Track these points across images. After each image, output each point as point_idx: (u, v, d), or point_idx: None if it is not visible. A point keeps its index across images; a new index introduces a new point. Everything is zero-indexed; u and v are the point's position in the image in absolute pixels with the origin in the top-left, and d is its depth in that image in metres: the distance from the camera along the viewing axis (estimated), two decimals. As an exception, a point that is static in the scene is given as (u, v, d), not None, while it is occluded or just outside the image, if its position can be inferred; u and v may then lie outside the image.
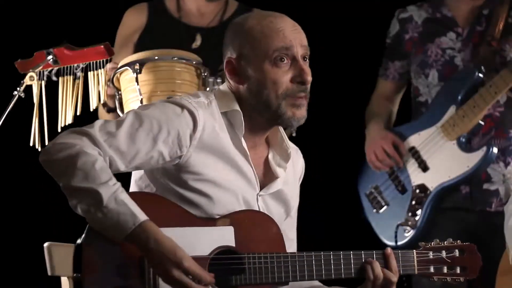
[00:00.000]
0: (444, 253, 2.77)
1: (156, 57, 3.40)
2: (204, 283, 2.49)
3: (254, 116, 2.71)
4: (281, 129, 2.81)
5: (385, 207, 4.09)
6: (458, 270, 2.77)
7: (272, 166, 2.79)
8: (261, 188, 2.76)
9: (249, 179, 2.72)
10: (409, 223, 3.96)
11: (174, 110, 2.62)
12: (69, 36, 3.54)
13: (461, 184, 3.93)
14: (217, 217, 2.63)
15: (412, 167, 4.03)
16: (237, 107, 2.69)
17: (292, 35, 2.66)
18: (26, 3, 4.54)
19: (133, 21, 3.90)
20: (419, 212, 3.96)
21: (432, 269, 2.75)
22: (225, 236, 2.60)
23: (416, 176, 4.01)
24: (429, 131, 4.00)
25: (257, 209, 2.72)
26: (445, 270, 2.77)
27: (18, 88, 3.35)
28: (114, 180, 2.49)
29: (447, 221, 3.96)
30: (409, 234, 3.97)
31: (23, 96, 3.36)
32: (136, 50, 3.79)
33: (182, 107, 2.63)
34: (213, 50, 3.74)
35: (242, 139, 2.70)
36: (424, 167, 3.99)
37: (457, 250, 2.79)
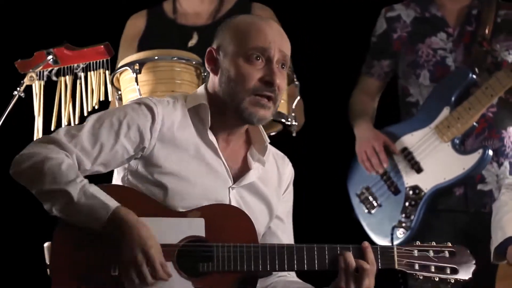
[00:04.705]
0: (431, 253, 2.75)
1: (156, 57, 3.43)
2: (159, 277, 2.54)
3: (224, 111, 2.76)
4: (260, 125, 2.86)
5: (377, 208, 4.08)
6: (448, 271, 2.75)
7: (249, 161, 2.84)
8: (234, 182, 2.80)
9: (218, 172, 2.77)
10: (403, 224, 3.95)
11: (132, 107, 2.73)
12: (69, 36, 3.55)
13: (455, 186, 3.93)
14: (182, 210, 2.68)
15: (405, 168, 4.01)
16: (204, 101, 2.77)
17: (273, 39, 2.73)
18: (26, 3, 4.55)
19: (133, 27, 3.95)
20: (413, 213, 3.95)
21: (416, 267, 2.73)
22: (195, 226, 2.65)
23: (409, 177, 4.00)
24: (423, 132, 3.99)
25: (228, 202, 2.76)
26: (432, 269, 2.74)
27: (18, 88, 3.35)
28: (81, 177, 2.59)
29: (442, 223, 3.96)
30: (402, 236, 3.96)
31: (23, 96, 3.37)
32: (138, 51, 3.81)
33: (140, 103, 2.74)
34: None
35: (209, 132, 2.76)
36: (417, 169, 3.97)
37: (447, 251, 2.77)
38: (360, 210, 4.13)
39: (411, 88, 4.07)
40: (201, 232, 2.65)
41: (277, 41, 2.74)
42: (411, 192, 3.97)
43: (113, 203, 2.56)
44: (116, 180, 2.81)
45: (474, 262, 2.78)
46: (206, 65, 2.81)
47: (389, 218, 4.03)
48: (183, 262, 2.61)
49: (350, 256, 2.66)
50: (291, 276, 2.93)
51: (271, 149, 2.95)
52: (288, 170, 2.99)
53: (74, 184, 2.55)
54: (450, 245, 2.77)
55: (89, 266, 2.58)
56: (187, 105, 2.81)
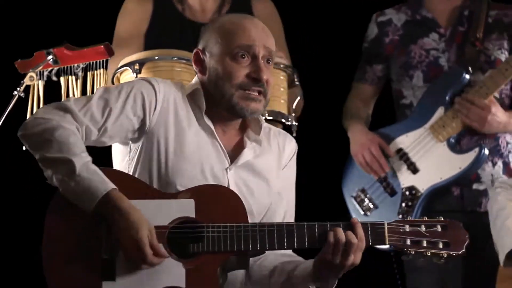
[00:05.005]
0: (423, 228, 2.71)
1: (156, 57, 3.43)
2: (149, 261, 2.58)
3: (218, 107, 2.83)
4: None
5: (374, 210, 4.06)
6: (440, 245, 2.70)
7: (245, 142, 2.89)
8: (231, 163, 2.86)
9: (215, 154, 2.83)
10: (401, 226, 3.94)
11: (138, 82, 2.84)
12: (69, 36, 3.55)
13: (452, 186, 3.92)
14: (180, 188, 2.73)
15: (401, 169, 4.00)
16: (199, 86, 2.84)
17: (257, 36, 2.79)
18: (26, 3, 4.55)
19: (139, 9, 3.91)
20: (410, 214, 3.92)
21: (408, 242, 2.70)
22: (185, 207, 2.67)
23: (405, 178, 3.98)
24: (417, 133, 3.98)
25: (227, 182, 2.81)
26: (424, 244, 2.70)
27: (18, 88, 3.36)
28: (86, 153, 2.66)
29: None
30: None
31: (23, 96, 3.37)
32: (146, 40, 3.82)
33: (145, 80, 2.86)
34: None
35: (205, 116, 2.83)
36: (414, 169, 3.96)
37: (439, 226, 2.72)
38: (356, 212, 4.10)
39: (405, 90, 4.06)
40: (191, 213, 2.67)
41: (262, 38, 2.80)
42: (407, 193, 3.96)
43: (111, 184, 2.61)
44: (120, 163, 2.88)
45: (467, 236, 2.73)
46: (194, 66, 2.89)
47: (386, 219, 3.95)
48: (174, 244, 2.64)
49: (340, 231, 2.65)
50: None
51: (273, 129, 3.01)
52: (290, 147, 3.02)
53: (79, 157, 2.62)
54: (442, 219, 2.73)
55: (80, 247, 2.63)
56: (186, 91, 2.88)
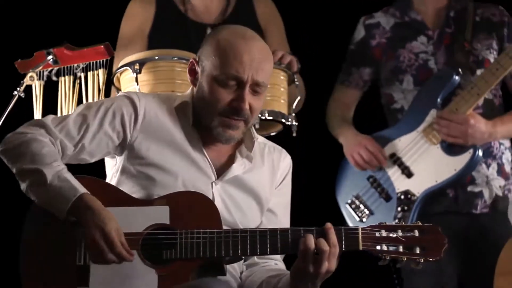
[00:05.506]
0: (400, 233, 2.69)
1: (157, 57, 3.42)
2: (117, 253, 2.60)
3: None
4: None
5: (370, 216, 4.02)
6: (417, 250, 2.67)
7: (237, 158, 2.88)
8: (218, 177, 2.85)
9: (200, 167, 2.83)
10: (398, 231, 3.91)
11: (117, 98, 2.87)
12: (69, 36, 3.55)
13: (447, 188, 3.90)
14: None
15: (395, 174, 3.98)
16: (188, 100, 2.86)
17: (248, 64, 2.75)
18: (26, 3, 4.54)
19: (142, 11, 3.89)
20: (406, 219, 3.90)
21: (384, 247, 2.67)
22: (160, 214, 2.69)
23: (400, 183, 3.96)
24: (410, 137, 3.97)
25: (212, 197, 2.80)
26: (400, 249, 2.68)
27: (18, 88, 3.36)
28: (59, 162, 2.70)
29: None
30: None
31: (23, 96, 3.37)
32: (149, 42, 3.81)
33: (125, 95, 2.85)
34: None
35: (192, 129, 2.84)
36: (408, 173, 3.94)
37: (416, 231, 2.69)
38: (352, 219, 4.07)
39: (395, 95, 4.05)
40: (166, 220, 2.69)
41: (253, 67, 2.75)
42: (403, 197, 3.94)
43: (82, 189, 2.64)
44: (109, 174, 2.91)
45: (445, 240, 2.70)
46: (188, 75, 2.87)
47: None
48: (147, 250, 2.66)
49: (310, 239, 2.63)
50: (278, 264, 2.96)
51: (268, 143, 3.01)
52: (285, 163, 3.02)
53: (50, 167, 2.66)
54: (419, 224, 2.71)
55: (56, 256, 2.67)
56: (175, 103, 2.88)
